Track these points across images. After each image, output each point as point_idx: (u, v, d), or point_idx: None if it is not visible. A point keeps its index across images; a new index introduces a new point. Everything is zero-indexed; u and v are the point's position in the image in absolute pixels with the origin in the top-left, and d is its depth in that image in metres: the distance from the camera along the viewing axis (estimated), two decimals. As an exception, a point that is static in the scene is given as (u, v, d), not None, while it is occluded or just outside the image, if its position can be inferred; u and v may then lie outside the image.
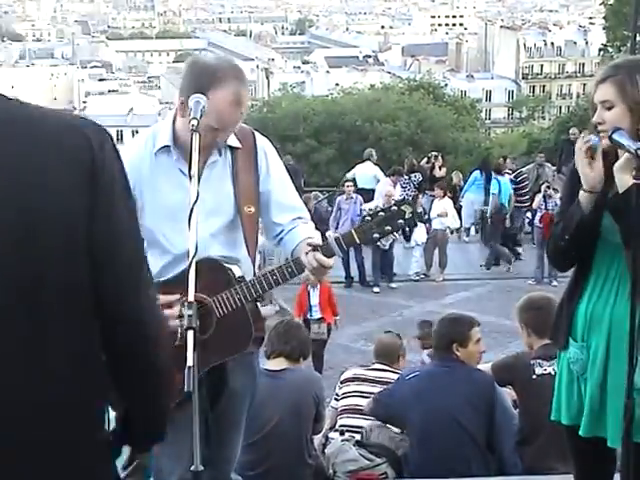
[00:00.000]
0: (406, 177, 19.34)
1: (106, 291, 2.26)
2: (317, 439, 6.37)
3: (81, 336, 2.24)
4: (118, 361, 2.37)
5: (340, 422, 6.54)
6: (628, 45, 27.03)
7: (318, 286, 12.21)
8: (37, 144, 2.15)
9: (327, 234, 4.04)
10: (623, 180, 3.35)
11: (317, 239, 3.85)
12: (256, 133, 4.03)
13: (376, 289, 16.99)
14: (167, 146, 3.85)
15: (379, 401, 6.16)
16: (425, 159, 20.65)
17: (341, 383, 6.86)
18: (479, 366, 6.19)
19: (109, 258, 2.25)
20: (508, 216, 18.68)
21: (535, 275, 17.04)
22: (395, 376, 6.78)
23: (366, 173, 19.98)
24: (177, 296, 3.68)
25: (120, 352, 2.35)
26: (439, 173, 20.01)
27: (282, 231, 4.01)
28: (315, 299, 12.29)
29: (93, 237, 2.20)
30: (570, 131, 21.16)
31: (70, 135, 2.21)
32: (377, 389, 6.58)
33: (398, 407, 5.98)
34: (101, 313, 2.27)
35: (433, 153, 20.86)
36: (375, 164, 20.68)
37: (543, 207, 17.07)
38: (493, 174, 19.07)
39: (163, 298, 3.74)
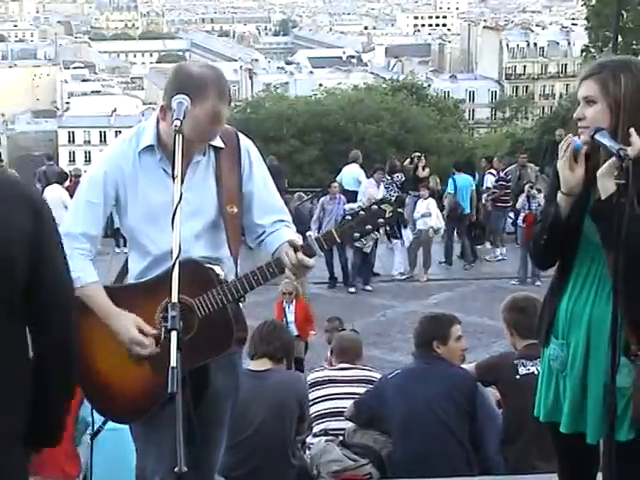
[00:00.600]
0: (388, 177, 19.38)
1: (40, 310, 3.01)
2: (315, 444, 6.34)
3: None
4: (42, 362, 3.06)
5: (320, 427, 6.50)
6: (610, 45, 27.14)
7: (294, 302, 12.11)
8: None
9: (308, 234, 4.05)
10: (606, 186, 3.36)
11: (295, 243, 3.85)
12: (240, 134, 4.04)
13: (352, 289, 17.00)
14: (151, 146, 3.85)
15: (360, 404, 6.15)
16: (408, 160, 20.64)
17: (310, 387, 6.79)
18: (463, 366, 6.20)
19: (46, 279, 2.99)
20: (474, 214, 19.05)
21: (518, 275, 17.09)
22: (362, 372, 6.79)
23: (351, 175, 19.99)
24: (153, 331, 3.71)
25: (44, 360, 3.06)
26: (422, 173, 19.91)
27: (263, 233, 4.01)
28: (291, 316, 12.14)
29: (36, 265, 2.94)
30: (557, 132, 21.16)
31: (20, 189, 3.00)
32: (348, 389, 6.59)
33: (379, 407, 5.99)
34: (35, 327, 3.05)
35: (416, 154, 20.78)
36: (361, 166, 20.71)
37: (526, 207, 17.12)
38: (455, 172, 19.30)
39: (144, 326, 3.76)
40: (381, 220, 3.78)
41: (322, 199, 18.07)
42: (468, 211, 18.81)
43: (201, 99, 3.68)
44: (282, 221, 4.03)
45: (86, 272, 3.83)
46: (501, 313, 6.07)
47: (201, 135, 3.77)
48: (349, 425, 6.34)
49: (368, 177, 19.34)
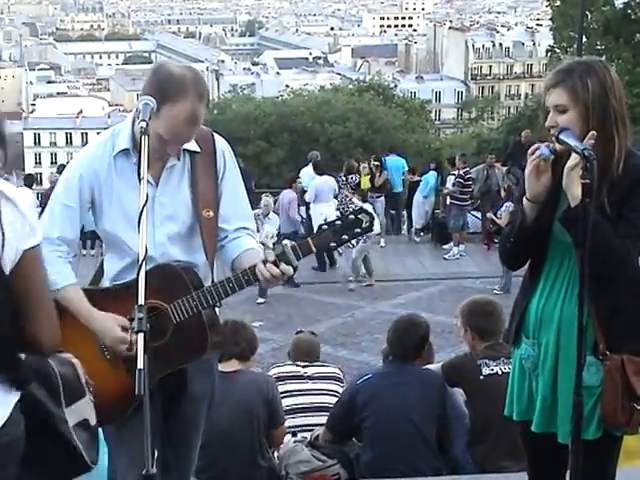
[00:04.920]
0: (343, 178, 19.66)
1: None
2: (283, 445, 6.30)
3: None
4: None
5: (287, 423, 6.48)
6: (575, 46, 27.29)
7: None
8: None
9: (284, 242, 4.03)
10: (573, 195, 3.38)
11: (261, 254, 3.84)
12: (215, 135, 4.01)
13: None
14: (126, 149, 3.83)
15: (334, 425, 6.08)
16: (368, 169, 20.82)
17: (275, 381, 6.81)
18: (429, 366, 6.21)
19: None
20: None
21: (501, 284, 15.96)
22: (325, 369, 6.79)
23: (309, 175, 20.07)
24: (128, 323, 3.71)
25: None
26: (378, 182, 20.40)
27: (225, 237, 3.99)
28: None
29: None
30: (523, 133, 21.25)
31: None
32: (313, 385, 6.60)
33: (352, 421, 5.95)
34: None
35: (375, 163, 20.99)
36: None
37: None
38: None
39: (126, 324, 3.75)
40: (358, 230, 3.76)
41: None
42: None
43: (180, 97, 3.66)
44: (246, 229, 4.01)
45: (64, 275, 3.84)
46: (460, 316, 6.06)
47: (177, 135, 3.74)
48: (314, 421, 6.35)
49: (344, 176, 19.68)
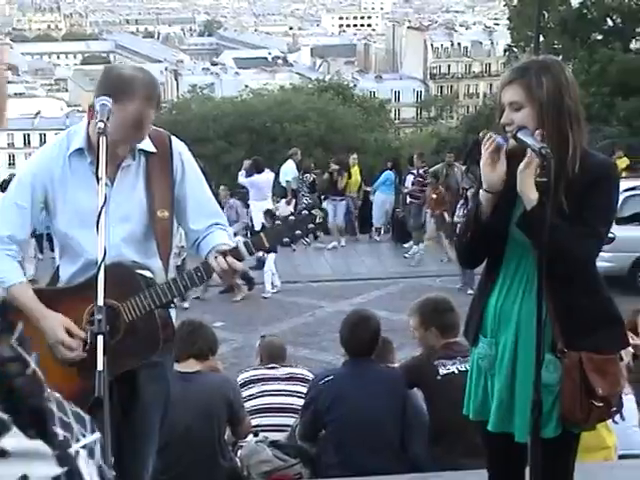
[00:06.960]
0: (299, 177, 19.78)
1: None
2: (245, 445, 6.29)
3: None
4: None
5: (253, 422, 6.48)
6: (532, 45, 27.47)
7: None
8: None
9: (236, 238, 4.01)
10: (528, 198, 3.39)
11: (229, 246, 3.82)
12: (173, 138, 4.02)
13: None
14: (80, 149, 3.82)
15: (306, 424, 6.08)
16: (327, 174, 20.66)
17: (241, 386, 6.77)
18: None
19: None
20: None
21: (462, 280, 15.95)
22: (293, 370, 6.79)
23: (285, 171, 20.20)
24: (81, 333, 3.67)
25: None
26: (340, 185, 20.29)
27: (198, 238, 3.99)
28: None
29: None
30: (481, 134, 21.31)
31: None
32: (280, 386, 6.60)
33: (321, 418, 5.95)
34: None
35: (335, 167, 20.65)
36: (296, 163, 20.82)
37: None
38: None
39: (72, 327, 3.73)
40: (311, 225, 3.76)
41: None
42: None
43: (127, 100, 3.66)
44: (217, 224, 4.01)
45: (13, 273, 3.83)
46: (418, 316, 6.04)
47: (124, 137, 3.74)
48: (285, 421, 6.35)
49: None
